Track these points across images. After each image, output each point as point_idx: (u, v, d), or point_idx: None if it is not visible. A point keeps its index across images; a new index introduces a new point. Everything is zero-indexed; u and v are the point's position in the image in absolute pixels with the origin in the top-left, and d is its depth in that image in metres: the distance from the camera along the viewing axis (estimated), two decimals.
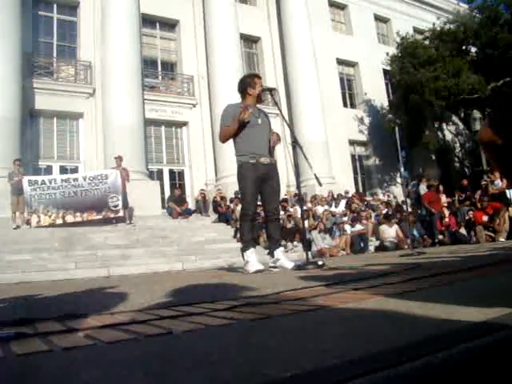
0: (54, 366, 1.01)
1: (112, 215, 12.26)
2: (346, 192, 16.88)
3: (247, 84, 4.91)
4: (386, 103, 22.78)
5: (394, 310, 1.35)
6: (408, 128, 19.07)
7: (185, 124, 17.96)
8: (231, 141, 4.87)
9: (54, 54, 16.21)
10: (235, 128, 4.69)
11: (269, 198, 4.85)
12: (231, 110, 4.81)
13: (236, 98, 5.14)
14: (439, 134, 23.01)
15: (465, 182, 14.87)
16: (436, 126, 22.11)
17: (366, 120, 22.45)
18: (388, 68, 21.99)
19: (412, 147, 20.51)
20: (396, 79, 20.64)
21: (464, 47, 20.01)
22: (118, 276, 7.92)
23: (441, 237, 12.07)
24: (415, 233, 12.14)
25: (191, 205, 15.85)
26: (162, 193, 15.80)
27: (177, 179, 17.72)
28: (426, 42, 20.45)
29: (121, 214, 12.31)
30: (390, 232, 12.11)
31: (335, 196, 15.71)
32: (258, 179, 4.73)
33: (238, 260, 6.34)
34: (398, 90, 20.73)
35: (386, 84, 23.95)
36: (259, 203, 4.96)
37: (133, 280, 5.46)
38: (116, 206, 12.22)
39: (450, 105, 19.33)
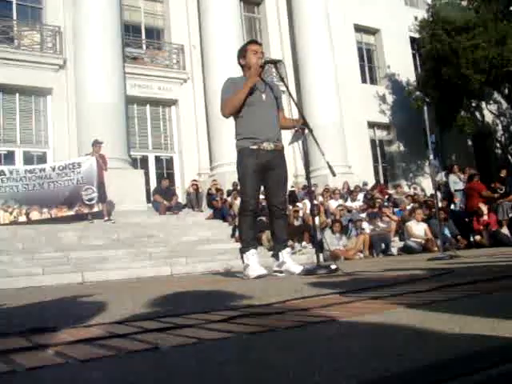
0: None
1: (86, 210, 12.30)
2: (365, 184, 16.91)
3: (239, 54, 4.96)
4: (412, 78, 22.72)
5: (421, 324, 1.36)
6: (439, 108, 19.04)
7: (174, 102, 17.94)
8: (229, 123, 4.88)
9: (14, 16, 16.10)
10: (246, 93, 4.67)
11: (274, 190, 4.86)
12: (231, 83, 4.83)
13: (235, 73, 5.15)
14: (477, 114, 22.94)
15: (503, 172, 14.77)
16: (473, 105, 22.04)
17: (389, 98, 22.42)
18: (416, 36, 21.91)
19: (443, 131, 20.49)
20: (426, 49, 20.53)
21: None
22: (95, 282, 7.95)
23: (478, 237, 12.08)
24: (447, 232, 12.14)
25: (181, 198, 15.86)
26: (147, 184, 15.83)
27: (164, 168, 17.73)
28: (464, 3, 20.31)
29: (96, 209, 12.35)
30: (419, 230, 12.12)
31: (351, 188, 15.72)
32: (261, 168, 4.73)
33: (237, 263, 6.35)
34: (428, 61, 20.62)
35: (414, 55, 23.88)
36: (262, 197, 4.98)
37: (112, 287, 5.47)
38: (91, 200, 12.25)
39: (492, 79, 19.17)
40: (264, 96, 4.83)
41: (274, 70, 5.03)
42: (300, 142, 4.80)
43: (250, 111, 4.74)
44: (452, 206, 14.47)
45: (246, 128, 4.75)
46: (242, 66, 4.98)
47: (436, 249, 10.95)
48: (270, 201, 4.92)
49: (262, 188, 4.94)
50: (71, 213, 12.18)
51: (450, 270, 3.54)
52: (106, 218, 12.41)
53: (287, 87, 4.81)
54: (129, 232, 11.69)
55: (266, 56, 5.54)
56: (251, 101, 4.74)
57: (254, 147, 4.72)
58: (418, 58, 23.68)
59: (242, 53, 4.91)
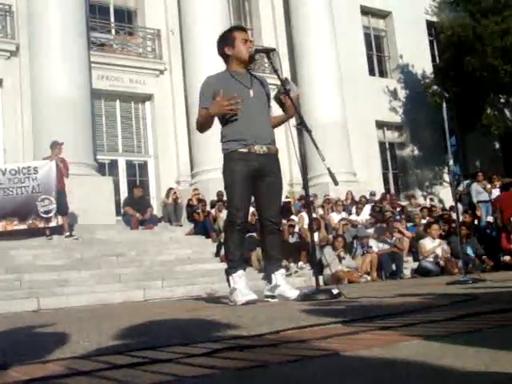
0: None
1: (42, 225, 12.20)
2: (372, 194, 16.93)
3: (224, 42, 4.93)
4: (429, 69, 22.90)
5: (439, 359, 1.37)
6: (461, 104, 19.11)
7: (149, 98, 17.96)
8: (214, 122, 4.90)
9: None
10: (208, 118, 4.78)
11: (266, 200, 4.87)
12: (210, 85, 4.83)
13: (221, 62, 5.15)
14: (506, 112, 23.06)
15: None
16: (502, 100, 22.18)
17: (402, 93, 22.55)
18: (434, 19, 22.09)
19: (466, 132, 20.58)
20: (445, 35, 20.67)
21: None
22: (53, 310, 7.89)
23: (507, 258, 12.12)
24: (469, 251, 12.18)
25: (157, 210, 15.81)
26: (117, 193, 15.78)
27: (137, 175, 17.72)
28: None
29: (54, 223, 12.23)
30: (435, 248, 12.16)
31: (357, 199, 15.75)
32: (251, 175, 4.74)
33: (222, 287, 6.33)
34: (448, 50, 20.77)
35: (431, 42, 24.07)
36: (252, 209, 4.99)
37: (74, 315, 5.45)
38: (48, 212, 12.17)
39: None
40: (252, 92, 4.85)
41: (266, 60, 5.03)
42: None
43: (238, 111, 4.75)
44: (476, 221, 14.53)
45: (234, 128, 4.76)
46: (225, 57, 4.95)
47: (457, 271, 10.96)
48: (261, 213, 4.93)
49: (253, 199, 4.95)
50: (23, 226, 12.08)
51: (474, 296, 3.56)
52: (67, 234, 12.32)
53: (282, 81, 4.83)
54: (94, 250, 11.62)
55: (257, 44, 5.56)
56: (239, 98, 4.75)
57: (244, 150, 4.73)
58: (435, 46, 23.87)
59: (229, 41, 4.88)
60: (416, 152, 22.41)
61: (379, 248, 12.62)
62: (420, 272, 11.98)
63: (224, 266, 5.12)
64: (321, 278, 9.38)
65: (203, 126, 4.90)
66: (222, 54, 4.97)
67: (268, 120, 4.96)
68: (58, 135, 12.90)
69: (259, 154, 4.77)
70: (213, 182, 14.43)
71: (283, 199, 15.33)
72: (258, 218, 5.05)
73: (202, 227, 13.82)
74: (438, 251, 12.10)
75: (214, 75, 5.00)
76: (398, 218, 14.84)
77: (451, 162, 7.54)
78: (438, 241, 12.27)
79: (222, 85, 4.74)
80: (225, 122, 4.82)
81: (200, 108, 4.85)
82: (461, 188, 14.99)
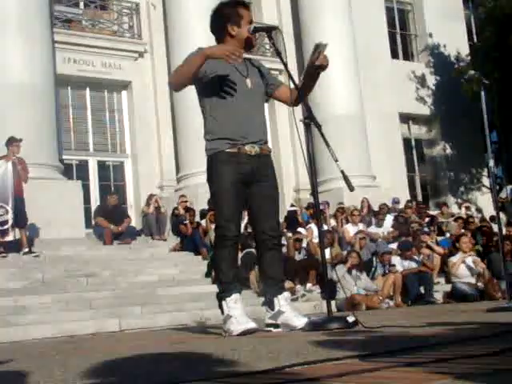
0: None
1: None
2: (395, 201, 16.93)
3: (226, 18, 4.91)
4: (465, 51, 22.91)
5: None
6: (503, 93, 19.09)
7: (125, 85, 18.00)
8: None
9: None
10: (197, 63, 4.64)
11: (262, 210, 4.87)
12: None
13: (213, 42, 5.15)
14: None
15: None
16: None
17: (431, 80, 22.58)
18: None
19: (511, 126, 20.56)
20: (485, 8, 20.67)
21: None
22: (8, 343, 7.88)
23: None
24: None
25: (136, 221, 15.81)
26: (87, 201, 15.79)
27: (111, 178, 17.72)
28: None
29: (11, 237, 12.19)
30: (467, 267, 12.17)
31: (376, 208, 15.76)
32: (242, 180, 4.76)
33: (215, 313, 6.32)
34: (489, 27, 20.75)
35: (467, 18, 24.06)
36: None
37: (34, 349, 5.44)
38: (4, 224, 12.15)
39: None
40: (249, 82, 4.85)
41: (267, 40, 5.02)
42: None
43: (231, 100, 4.75)
44: None
45: (222, 124, 4.76)
46: (222, 36, 4.94)
47: (499, 295, 10.96)
48: (257, 226, 4.93)
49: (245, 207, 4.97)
50: None
51: None
52: (26, 250, 12.25)
53: (285, 65, 4.84)
54: (59, 269, 11.59)
55: (256, 22, 5.57)
56: (230, 88, 4.75)
57: (233, 150, 4.74)
58: (473, 23, 23.89)
59: (235, 18, 4.87)
60: (448, 151, 22.42)
61: (404, 267, 12.58)
62: (454, 296, 11.97)
63: (215, 288, 5.10)
64: (333, 302, 9.37)
65: (184, 75, 4.78)
66: (220, 31, 4.94)
67: (263, 116, 5.00)
68: (14, 130, 12.87)
69: (251, 155, 4.77)
70: (203, 188, 14.40)
71: (288, 208, 15.54)
72: (254, 232, 5.04)
73: (191, 242, 13.81)
74: (472, 271, 12.10)
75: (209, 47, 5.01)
76: (426, 230, 14.83)
77: (491, 163, 7.54)
78: (471, 258, 12.26)
79: (216, 64, 4.72)
80: (210, 111, 4.82)
81: (185, 58, 4.80)
82: (504, 194, 14.99)
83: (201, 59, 4.59)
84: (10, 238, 12.22)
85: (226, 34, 4.89)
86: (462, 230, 14.36)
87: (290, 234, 12.97)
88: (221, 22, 4.93)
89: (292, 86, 4.81)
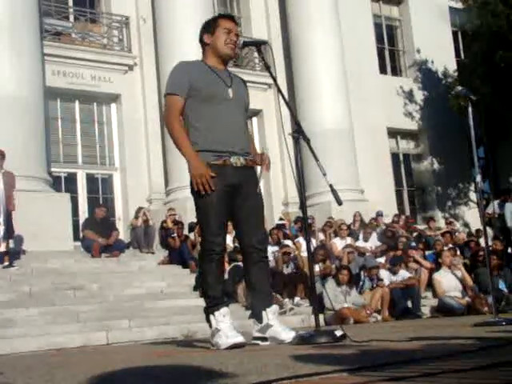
0: None
1: None
2: (379, 214, 16.92)
3: (204, 29, 4.98)
4: (452, 66, 23.03)
5: None
6: (491, 108, 19.15)
7: (114, 99, 17.99)
8: None
9: None
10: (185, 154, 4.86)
11: (249, 223, 4.88)
12: (185, 72, 4.84)
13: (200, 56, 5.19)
14: None
15: None
16: None
17: (419, 95, 22.68)
18: (458, 6, 22.24)
19: (497, 141, 20.66)
20: (472, 25, 20.75)
21: None
22: None
23: None
24: (502, 286, 12.20)
25: (124, 234, 15.76)
26: (75, 214, 15.75)
27: (100, 191, 17.68)
28: None
29: (3, 248, 12.11)
30: (452, 282, 12.20)
31: (365, 221, 15.77)
32: (228, 192, 4.76)
33: (202, 327, 6.30)
34: (476, 43, 20.84)
35: (455, 34, 24.23)
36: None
37: (20, 363, 5.40)
38: None
39: None
40: (231, 92, 4.87)
41: (256, 54, 5.06)
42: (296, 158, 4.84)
43: (214, 111, 4.76)
44: (510, 249, 14.56)
45: (206, 135, 4.77)
46: (203, 45, 4.99)
47: (486, 309, 10.98)
48: (243, 240, 4.94)
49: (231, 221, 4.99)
50: None
51: (507, 340, 3.56)
52: (6, 264, 12.06)
53: (275, 79, 4.86)
54: (46, 282, 11.54)
55: (245, 37, 5.60)
56: (213, 97, 4.77)
57: (218, 162, 4.75)
58: (460, 39, 24.02)
59: (210, 28, 4.93)
60: (436, 165, 22.49)
61: (392, 281, 12.60)
62: (441, 310, 11.99)
63: (203, 302, 5.09)
64: (321, 316, 9.36)
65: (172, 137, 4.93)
66: (200, 40, 5.01)
67: (246, 127, 5.01)
68: (2, 143, 12.81)
69: (237, 167, 4.78)
70: (191, 201, 14.39)
71: (276, 221, 15.53)
72: (240, 246, 5.04)
73: (179, 255, 13.78)
74: (457, 286, 12.14)
75: (190, 62, 5.04)
76: (414, 244, 14.85)
77: (479, 178, 7.56)
78: (457, 272, 12.29)
79: (199, 75, 4.75)
80: (195, 123, 4.81)
81: (169, 92, 4.83)
82: (490, 209, 15.00)
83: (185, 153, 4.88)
84: (1, 249, 12.12)
85: (204, 44, 4.96)
86: (447, 246, 14.38)
87: (276, 248, 12.94)
88: (200, 34, 5.00)
89: (282, 101, 4.82)
